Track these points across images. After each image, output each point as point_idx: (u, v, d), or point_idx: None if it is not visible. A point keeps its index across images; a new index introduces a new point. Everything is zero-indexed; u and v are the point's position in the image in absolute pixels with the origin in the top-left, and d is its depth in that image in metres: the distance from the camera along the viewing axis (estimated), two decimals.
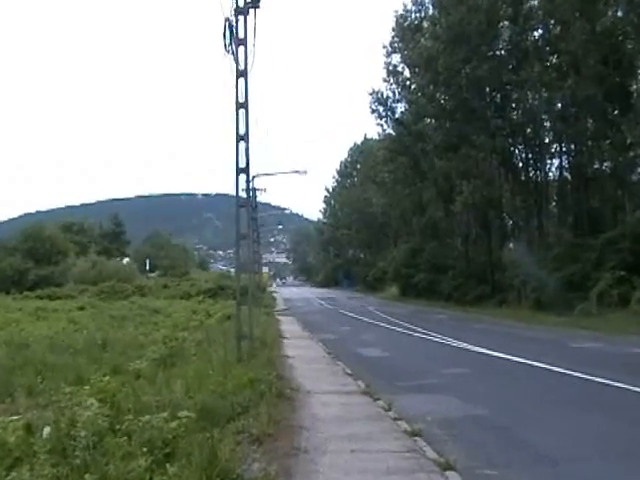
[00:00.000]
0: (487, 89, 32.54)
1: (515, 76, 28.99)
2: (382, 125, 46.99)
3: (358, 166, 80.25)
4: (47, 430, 4.98)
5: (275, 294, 62.25)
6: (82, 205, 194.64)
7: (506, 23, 30.47)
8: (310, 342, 17.27)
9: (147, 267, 63.06)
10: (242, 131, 11.19)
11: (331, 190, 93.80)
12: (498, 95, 32.71)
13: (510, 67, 30.21)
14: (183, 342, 11.99)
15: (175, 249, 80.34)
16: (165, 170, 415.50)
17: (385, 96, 44.33)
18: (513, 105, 32.46)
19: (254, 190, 30.74)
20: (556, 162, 32.57)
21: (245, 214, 11.82)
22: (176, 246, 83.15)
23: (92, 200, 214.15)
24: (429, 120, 38.33)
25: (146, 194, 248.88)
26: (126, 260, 67.18)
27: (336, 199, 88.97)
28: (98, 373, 7.34)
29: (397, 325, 22.83)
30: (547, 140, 32.55)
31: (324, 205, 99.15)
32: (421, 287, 40.86)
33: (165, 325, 18.91)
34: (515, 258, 30.36)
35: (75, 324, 20.16)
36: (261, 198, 43.66)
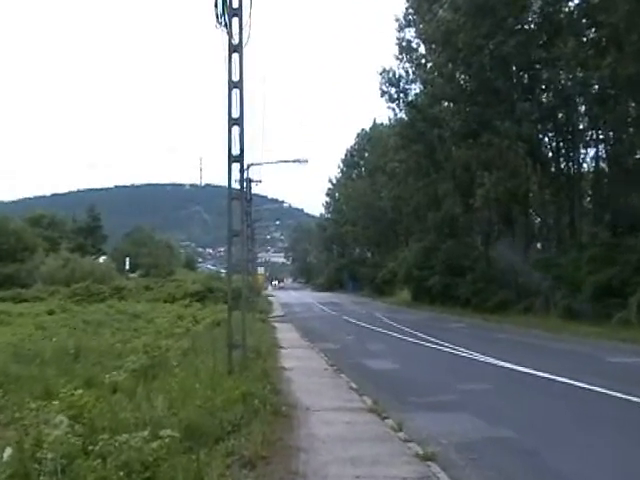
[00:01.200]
0: (513, 68, 32.40)
1: (546, 53, 28.85)
2: (393, 109, 47.00)
3: (366, 155, 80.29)
4: (8, 452, 4.92)
5: (271, 298, 62.51)
6: (53, 195, 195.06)
7: None
8: (310, 352, 17.32)
9: (127, 266, 63.13)
10: (236, 114, 11.16)
11: (335, 182, 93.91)
12: (526, 75, 32.58)
13: (540, 43, 30.06)
14: (167, 351, 11.96)
15: (159, 246, 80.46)
16: (148, 157, 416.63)
17: (397, 76, 44.27)
18: (543, 86, 32.34)
19: (249, 181, 30.73)
20: (591, 152, 32.50)
21: (238, 208, 11.78)
22: (160, 243, 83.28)
23: (64, 190, 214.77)
24: (447, 103, 38.24)
25: (126, 184, 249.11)
26: (103, 258, 67.25)
27: (341, 192, 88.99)
28: (69, 386, 7.28)
29: (408, 334, 22.85)
30: (582, 126, 32.42)
31: (327, 198, 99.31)
32: (435, 291, 40.82)
33: (146, 332, 18.92)
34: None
35: (43, 330, 20.19)
36: (256, 190, 43.68)
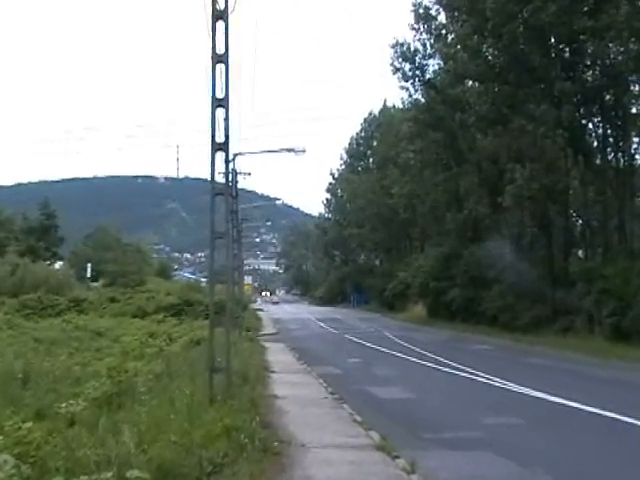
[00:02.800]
0: (552, 40, 32.43)
1: (592, 22, 28.75)
2: (407, 89, 47.09)
3: (374, 143, 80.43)
4: None
5: (261, 313, 62.63)
6: None
7: None
8: (307, 378, 17.41)
9: (88, 274, 63.10)
10: (220, 94, 11.17)
11: (337, 175, 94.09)
12: (567, 48, 32.59)
13: (585, 9, 30.01)
14: (135, 376, 11.96)
15: (127, 250, 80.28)
16: (114, 144, 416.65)
17: (412, 49, 44.35)
18: (588, 62, 32.32)
19: (235, 173, 30.78)
20: None
21: (223, 205, 11.78)
22: (128, 246, 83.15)
23: (11, 182, 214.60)
24: (471, 82, 38.27)
25: (88, 176, 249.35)
26: (59, 264, 67.24)
27: (344, 187, 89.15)
28: (16, 418, 7.23)
29: (423, 357, 22.98)
30: (634, 110, 32.36)
31: (328, 195, 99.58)
32: (456, 306, 40.89)
33: (111, 352, 18.97)
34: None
35: None
36: (245, 184, 43.74)
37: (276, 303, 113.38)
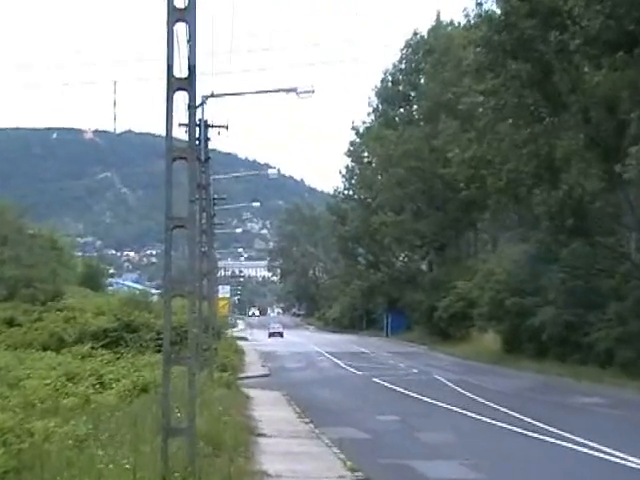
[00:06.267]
0: None
1: None
2: None
3: (421, 81, 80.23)
4: None
5: (244, 343, 62.90)
6: None
7: None
8: (314, 445, 17.47)
9: None
10: (181, 2, 11.15)
11: (363, 130, 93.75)
12: None
13: None
14: (46, 442, 11.94)
15: (34, 245, 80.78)
16: (19, 82, 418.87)
17: None
18: None
19: (205, 126, 30.73)
20: None
21: (185, 176, 11.74)
22: (36, 239, 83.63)
23: None
24: None
25: None
26: None
27: (373, 149, 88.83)
28: None
29: (496, 415, 22.97)
30: None
31: (348, 161, 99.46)
32: (548, 336, 40.84)
33: (7, 405, 18.93)
34: None
35: None
36: (219, 144, 43.65)
37: (277, 334, 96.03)
